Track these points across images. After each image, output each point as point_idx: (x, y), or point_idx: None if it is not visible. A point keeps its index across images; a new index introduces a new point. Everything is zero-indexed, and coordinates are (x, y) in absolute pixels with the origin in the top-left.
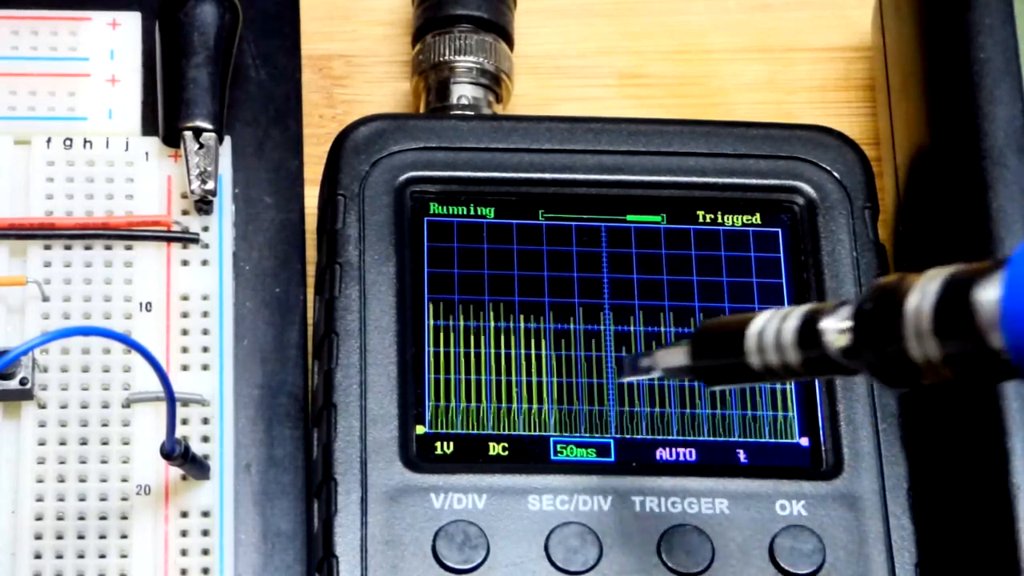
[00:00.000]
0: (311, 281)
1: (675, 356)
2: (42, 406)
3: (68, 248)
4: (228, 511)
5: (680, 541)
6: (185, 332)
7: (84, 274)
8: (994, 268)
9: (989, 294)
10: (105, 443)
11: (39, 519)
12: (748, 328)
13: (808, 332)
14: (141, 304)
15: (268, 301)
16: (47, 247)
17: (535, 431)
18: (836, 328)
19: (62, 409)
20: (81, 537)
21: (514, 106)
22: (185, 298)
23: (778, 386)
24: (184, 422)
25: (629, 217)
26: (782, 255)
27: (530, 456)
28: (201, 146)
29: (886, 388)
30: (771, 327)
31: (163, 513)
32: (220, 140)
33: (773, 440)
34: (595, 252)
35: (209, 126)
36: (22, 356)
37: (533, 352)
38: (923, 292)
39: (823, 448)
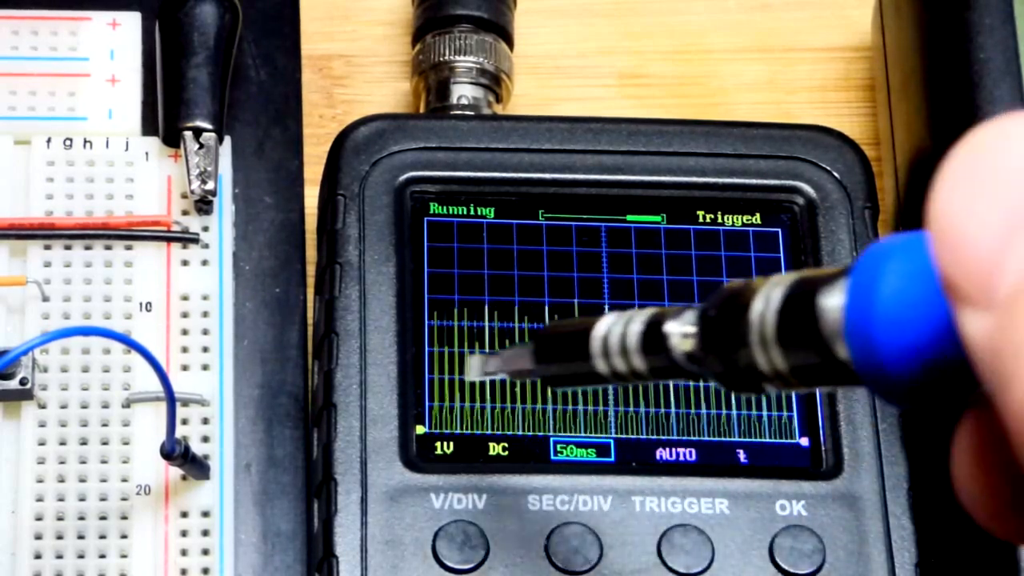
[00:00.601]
0: (311, 281)
1: (520, 359)
2: (42, 406)
3: (68, 248)
4: (228, 511)
5: (680, 541)
6: (185, 332)
7: (84, 274)
8: (839, 275)
9: (833, 301)
10: (105, 443)
11: (39, 519)
12: (592, 331)
13: (653, 336)
14: (141, 304)
15: (268, 301)
16: (47, 247)
17: (535, 431)
18: (680, 332)
19: (62, 409)
20: (81, 537)
21: (514, 106)
22: (185, 298)
23: None
24: (184, 422)
25: (629, 217)
26: (782, 255)
27: (530, 456)
28: (201, 146)
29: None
30: (616, 331)
31: (163, 513)
32: (220, 140)
33: (773, 440)
34: (595, 252)
35: (209, 126)
36: (22, 356)
37: None
38: (767, 299)
39: (823, 448)
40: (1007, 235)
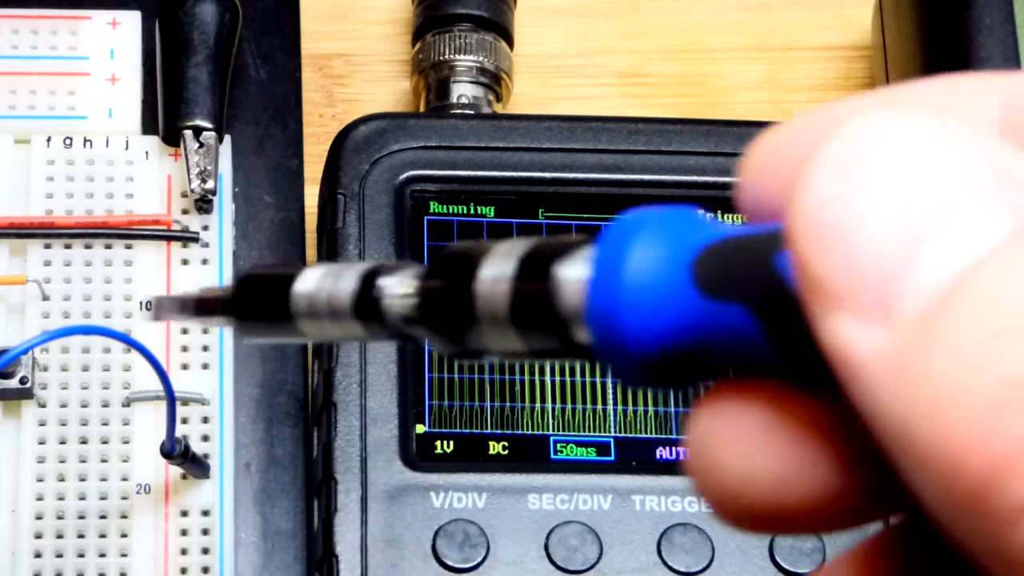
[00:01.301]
0: None
1: (214, 309)
2: (42, 405)
3: (68, 247)
4: (228, 510)
5: (680, 540)
6: (185, 331)
7: (84, 273)
8: (581, 244)
9: (574, 273)
10: (105, 442)
11: (39, 518)
12: (295, 285)
13: (368, 297)
14: (141, 303)
15: None
16: (47, 246)
17: (535, 430)
18: (398, 293)
19: (62, 408)
20: (81, 536)
21: (514, 105)
22: None
23: None
24: (184, 421)
25: None
26: None
27: (530, 455)
28: (201, 145)
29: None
30: (324, 286)
31: (163, 512)
32: (220, 139)
33: None
34: None
35: (209, 125)
36: (22, 355)
37: None
38: (499, 268)
39: None
40: (913, 239)
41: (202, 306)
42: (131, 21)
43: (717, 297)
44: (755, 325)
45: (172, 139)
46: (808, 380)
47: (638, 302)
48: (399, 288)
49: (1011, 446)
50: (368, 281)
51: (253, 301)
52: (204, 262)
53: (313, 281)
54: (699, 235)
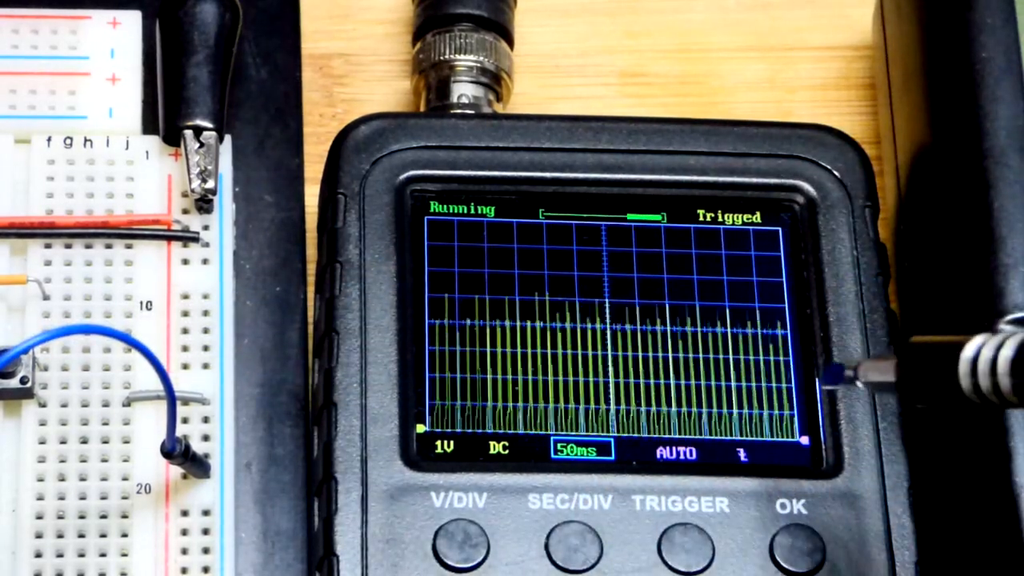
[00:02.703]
0: (311, 280)
1: (881, 370)
2: (43, 405)
3: (68, 247)
4: (228, 510)
5: (680, 540)
6: (185, 331)
7: (85, 273)
8: None
9: None
10: (106, 442)
11: (40, 518)
12: (962, 352)
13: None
14: (142, 303)
15: (268, 300)
16: (47, 246)
17: (535, 430)
18: None
19: (63, 408)
20: (82, 536)
21: (514, 105)
22: (186, 297)
23: (782, 385)
24: (185, 421)
25: (629, 216)
26: (782, 254)
27: (530, 455)
28: (201, 145)
29: None
30: (986, 352)
31: (164, 512)
32: (220, 139)
33: (773, 439)
34: (595, 251)
35: (209, 125)
36: (22, 354)
37: (532, 351)
38: None
39: (823, 447)
40: None
41: (870, 370)
42: (131, 21)
43: None
44: None
45: (172, 139)
46: None
47: None
48: None
49: None
50: None
51: (922, 362)
52: (204, 262)
53: (975, 347)
54: None
